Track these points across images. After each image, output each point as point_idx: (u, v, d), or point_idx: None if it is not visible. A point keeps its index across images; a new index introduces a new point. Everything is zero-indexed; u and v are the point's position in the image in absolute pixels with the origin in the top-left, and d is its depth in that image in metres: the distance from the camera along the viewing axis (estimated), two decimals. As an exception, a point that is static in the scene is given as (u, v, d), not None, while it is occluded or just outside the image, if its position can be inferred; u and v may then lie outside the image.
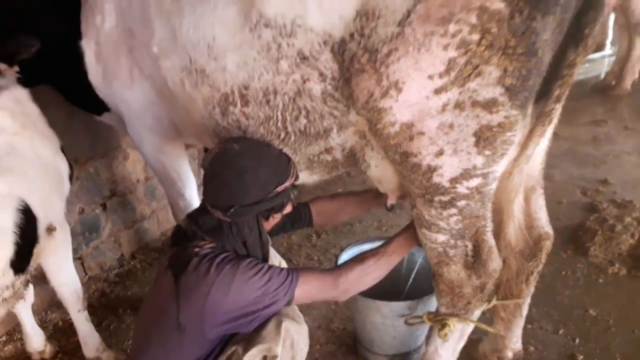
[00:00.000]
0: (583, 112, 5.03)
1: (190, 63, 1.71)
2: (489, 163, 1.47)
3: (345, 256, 2.28)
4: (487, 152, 1.44)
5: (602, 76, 5.94)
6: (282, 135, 1.69)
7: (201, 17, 1.63)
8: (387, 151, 1.56)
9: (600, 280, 2.73)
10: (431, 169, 1.49)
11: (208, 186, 1.61)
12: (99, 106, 2.35)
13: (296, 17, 1.43)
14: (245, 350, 1.53)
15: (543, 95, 1.48)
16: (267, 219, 1.66)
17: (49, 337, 2.49)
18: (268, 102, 1.62)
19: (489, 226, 1.65)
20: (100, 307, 2.78)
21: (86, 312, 2.24)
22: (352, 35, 1.39)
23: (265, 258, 1.69)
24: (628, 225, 2.99)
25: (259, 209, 1.57)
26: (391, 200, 1.92)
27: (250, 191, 1.54)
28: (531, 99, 1.43)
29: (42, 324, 2.55)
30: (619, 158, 4.13)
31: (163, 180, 2.51)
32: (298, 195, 3.60)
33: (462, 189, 1.51)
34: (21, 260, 1.62)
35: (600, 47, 6.83)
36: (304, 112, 1.60)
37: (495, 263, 1.71)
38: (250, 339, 1.56)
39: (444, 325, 1.80)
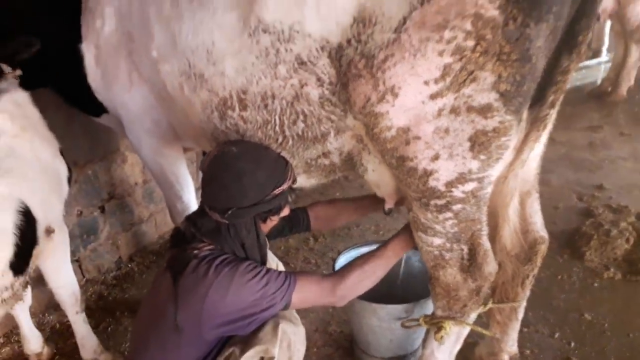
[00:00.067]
0: (579, 118, 5.07)
1: (189, 67, 1.73)
2: (484, 167, 1.49)
3: (342, 259, 2.29)
4: (482, 157, 1.45)
5: (599, 82, 5.98)
6: (280, 139, 1.70)
7: (200, 22, 1.64)
8: (384, 155, 1.57)
9: (596, 285, 2.74)
10: (427, 173, 1.50)
11: (206, 188, 1.62)
12: (98, 108, 2.37)
13: (294, 23, 1.45)
14: (243, 351, 1.54)
15: (538, 100, 1.50)
16: (264, 221, 1.67)
17: (47, 340, 2.49)
18: (266, 106, 1.64)
19: (485, 230, 1.67)
20: (98, 310, 2.79)
21: (84, 314, 2.24)
22: (349, 41, 1.41)
23: (263, 260, 1.70)
24: (623, 230, 3.02)
25: (256, 211, 1.59)
26: (389, 205, 1.93)
27: (247, 193, 1.55)
28: (526, 105, 1.45)
29: (40, 326, 2.55)
30: (615, 163, 4.16)
31: (161, 183, 2.52)
32: (296, 199, 3.61)
33: (457, 192, 1.53)
34: (20, 261, 1.63)
35: (596, 54, 6.88)
36: (301, 117, 1.62)
37: (491, 266, 1.72)
38: (247, 341, 1.56)
39: (440, 328, 1.81)
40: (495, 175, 1.56)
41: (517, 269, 1.88)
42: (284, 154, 1.72)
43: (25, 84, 1.96)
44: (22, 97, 1.86)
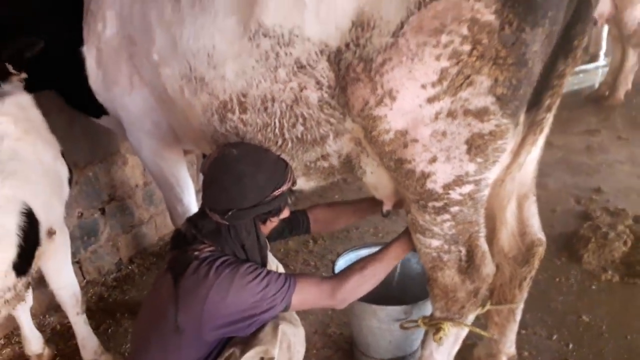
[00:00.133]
0: (577, 122, 5.10)
1: (190, 71, 1.75)
2: (481, 170, 1.50)
3: (342, 262, 2.30)
4: (479, 160, 1.47)
5: (596, 86, 6.01)
6: (280, 142, 1.72)
7: (201, 26, 1.67)
8: (382, 158, 1.59)
9: (594, 287, 2.76)
10: (425, 176, 1.52)
11: (207, 190, 1.64)
12: (98, 110, 2.39)
13: (294, 27, 1.47)
14: (243, 352, 1.55)
15: (534, 104, 1.52)
16: (264, 222, 1.68)
17: (47, 341, 2.50)
18: (266, 109, 1.65)
19: (482, 232, 1.68)
20: (98, 311, 2.79)
21: (84, 315, 2.26)
22: (347, 45, 1.43)
23: (263, 262, 1.71)
24: (621, 233, 3.04)
25: (256, 212, 1.60)
26: (387, 207, 1.94)
27: (247, 195, 1.57)
28: (522, 108, 1.47)
29: (40, 328, 2.55)
30: (612, 167, 4.19)
31: (161, 185, 2.53)
32: (295, 201, 3.63)
33: (455, 195, 1.55)
34: (23, 262, 1.65)
35: (594, 58, 6.92)
36: (301, 120, 1.64)
37: (488, 268, 1.73)
38: (247, 341, 1.57)
39: (438, 329, 1.82)
40: (492, 178, 1.58)
41: (515, 271, 1.89)
42: (283, 156, 1.73)
43: (28, 86, 1.99)
44: (25, 100, 1.88)
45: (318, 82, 1.54)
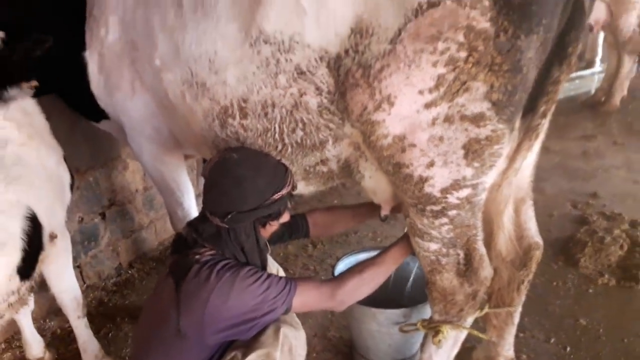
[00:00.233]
0: (573, 127, 5.13)
1: (192, 76, 1.77)
2: (478, 174, 1.53)
3: (341, 266, 2.32)
4: (475, 164, 1.50)
5: (592, 92, 6.05)
6: (280, 146, 1.74)
7: (204, 32, 1.69)
8: (381, 162, 1.61)
9: (591, 291, 2.78)
10: (423, 180, 1.54)
11: (207, 194, 1.65)
12: (99, 114, 2.40)
13: (294, 33, 1.50)
14: (245, 355, 1.57)
15: (530, 110, 1.54)
16: (264, 226, 1.69)
17: (48, 345, 2.50)
18: (266, 114, 1.68)
19: (480, 235, 1.70)
20: (98, 316, 2.80)
21: (85, 319, 2.27)
22: (347, 51, 1.46)
23: (263, 265, 1.73)
24: (617, 237, 3.06)
25: (255, 215, 1.61)
26: (385, 211, 1.96)
27: (247, 198, 1.58)
28: (518, 114, 1.49)
29: (41, 332, 2.55)
30: (608, 172, 4.22)
31: (162, 190, 2.54)
32: (294, 206, 3.64)
33: (452, 199, 1.57)
34: (27, 266, 1.66)
35: (590, 64, 6.98)
36: (300, 125, 1.66)
37: (486, 271, 1.75)
38: (249, 345, 1.59)
39: (437, 332, 1.83)
40: (489, 182, 1.60)
41: (513, 274, 1.90)
42: (283, 161, 1.75)
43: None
44: (30, 106, 1.90)
45: (318, 88, 1.56)
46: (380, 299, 2.10)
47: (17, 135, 1.72)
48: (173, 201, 2.52)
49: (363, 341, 2.27)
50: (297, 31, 1.49)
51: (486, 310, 1.92)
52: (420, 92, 1.39)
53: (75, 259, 2.90)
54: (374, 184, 1.80)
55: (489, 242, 1.80)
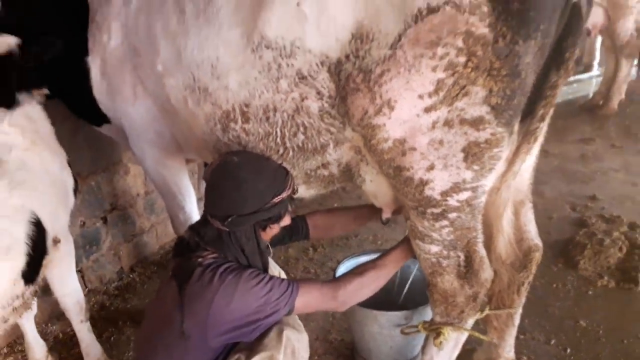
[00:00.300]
0: (572, 131, 5.16)
1: (194, 81, 1.79)
2: (478, 177, 1.55)
3: (342, 269, 2.33)
4: (475, 167, 1.52)
5: (590, 96, 6.09)
6: (281, 150, 1.76)
7: (206, 38, 1.71)
8: (382, 166, 1.63)
9: (590, 293, 2.79)
10: (423, 183, 1.56)
11: (208, 197, 1.67)
12: (101, 119, 2.42)
13: (295, 39, 1.52)
14: (248, 357, 1.58)
15: (528, 114, 1.56)
16: (264, 229, 1.70)
17: (50, 349, 2.50)
18: (268, 119, 1.69)
19: (480, 237, 1.72)
20: (100, 320, 2.80)
21: (88, 323, 2.28)
22: (347, 56, 1.48)
23: (265, 268, 1.74)
24: (616, 239, 3.08)
25: (256, 219, 1.62)
26: (386, 214, 1.97)
27: (247, 201, 1.59)
28: (517, 117, 1.51)
29: (43, 336, 2.54)
30: (607, 175, 4.24)
31: (164, 194, 2.56)
32: (295, 209, 3.65)
33: (452, 201, 1.59)
34: (31, 270, 1.67)
35: (588, 68, 7.01)
36: (302, 129, 1.68)
37: (486, 273, 1.77)
38: (252, 347, 1.60)
39: (438, 334, 1.84)
40: (488, 185, 1.62)
41: (513, 276, 1.91)
42: (284, 164, 1.76)
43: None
44: (35, 111, 1.91)
45: (319, 93, 1.58)
46: (380, 300, 2.12)
47: (22, 141, 1.73)
48: (175, 205, 2.54)
49: (365, 343, 2.28)
50: (299, 36, 1.51)
51: (487, 312, 1.94)
52: (420, 97, 1.41)
53: (77, 263, 2.88)
54: (375, 187, 1.81)
55: (488, 244, 1.82)
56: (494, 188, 1.67)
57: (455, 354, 1.97)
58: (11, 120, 1.73)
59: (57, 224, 1.90)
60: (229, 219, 1.59)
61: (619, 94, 5.44)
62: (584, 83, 6.75)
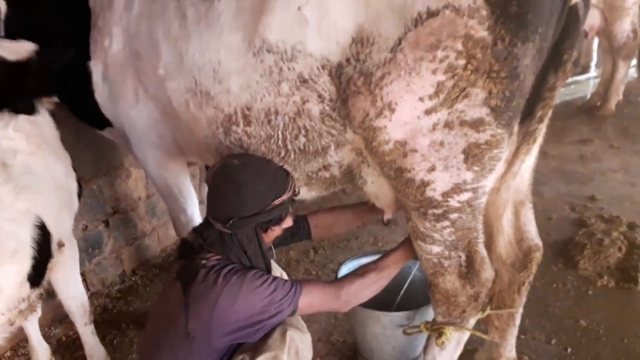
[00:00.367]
0: (570, 132, 5.17)
1: (196, 85, 1.80)
2: (478, 178, 1.56)
3: (344, 270, 2.34)
4: (475, 168, 1.53)
5: (588, 97, 6.10)
6: (283, 153, 1.77)
7: (207, 42, 1.72)
8: (383, 167, 1.65)
9: (590, 292, 2.81)
10: (424, 184, 1.58)
11: (210, 200, 1.68)
12: (103, 122, 2.44)
13: (296, 43, 1.54)
14: (252, 358, 1.59)
15: (527, 115, 1.58)
16: (265, 231, 1.72)
17: (53, 352, 2.51)
18: (269, 122, 1.71)
19: (481, 237, 1.74)
20: (103, 322, 2.81)
21: (92, 326, 2.29)
22: (348, 59, 1.50)
23: (267, 269, 1.76)
24: (615, 239, 3.09)
25: (257, 221, 1.64)
26: (387, 215, 1.99)
27: (248, 203, 1.61)
28: (516, 119, 1.53)
29: (46, 339, 2.54)
30: (605, 175, 4.25)
31: (165, 196, 2.57)
32: (296, 211, 3.65)
33: (453, 202, 1.60)
34: (37, 274, 1.68)
35: (585, 70, 7.03)
36: (303, 131, 1.69)
37: (487, 273, 1.78)
38: (256, 348, 1.61)
39: (440, 334, 1.86)
40: (489, 186, 1.63)
41: (513, 276, 1.93)
42: (286, 167, 1.78)
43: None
44: (40, 116, 1.93)
45: (320, 96, 1.60)
46: (381, 301, 2.13)
47: (26, 146, 1.74)
48: (176, 207, 2.55)
49: (367, 344, 2.29)
50: (300, 40, 1.53)
51: (488, 311, 1.95)
52: (421, 99, 1.43)
53: (79, 266, 2.91)
54: (376, 189, 1.83)
55: (489, 245, 1.83)
56: (494, 188, 1.69)
57: (457, 354, 1.99)
58: (16, 125, 1.74)
59: (62, 228, 1.91)
60: (230, 222, 1.61)
61: (617, 95, 5.46)
62: (581, 84, 6.77)
